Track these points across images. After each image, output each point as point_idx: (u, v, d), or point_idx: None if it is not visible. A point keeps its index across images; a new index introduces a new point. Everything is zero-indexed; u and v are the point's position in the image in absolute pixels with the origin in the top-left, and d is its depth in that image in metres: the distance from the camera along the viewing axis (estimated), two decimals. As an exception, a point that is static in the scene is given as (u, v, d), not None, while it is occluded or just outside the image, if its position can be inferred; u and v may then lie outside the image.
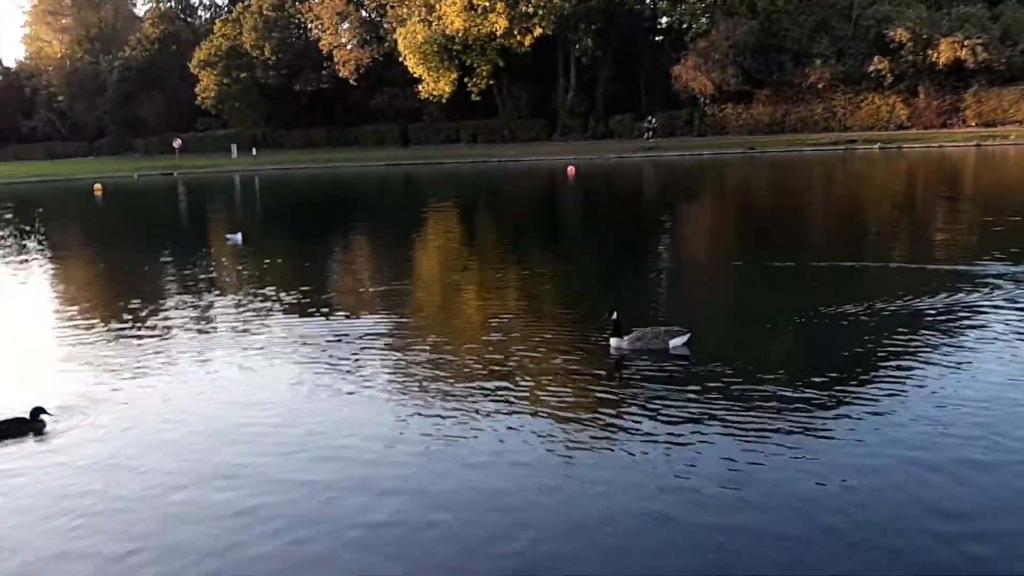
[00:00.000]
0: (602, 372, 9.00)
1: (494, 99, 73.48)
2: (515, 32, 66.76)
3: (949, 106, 57.40)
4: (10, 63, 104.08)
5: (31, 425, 7.56)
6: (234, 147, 76.54)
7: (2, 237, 26.61)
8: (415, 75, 71.31)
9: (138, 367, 9.80)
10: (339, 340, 10.71)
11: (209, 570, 5.29)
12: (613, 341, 9.53)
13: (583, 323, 11.14)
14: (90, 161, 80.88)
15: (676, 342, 9.52)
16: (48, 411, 7.68)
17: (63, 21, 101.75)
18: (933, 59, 55.77)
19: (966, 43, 54.48)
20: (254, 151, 76.37)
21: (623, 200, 33.46)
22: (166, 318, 12.64)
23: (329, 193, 43.42)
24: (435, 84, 70.58)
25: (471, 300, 13.85)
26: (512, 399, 8.10)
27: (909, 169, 39.85)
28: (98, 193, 44.60)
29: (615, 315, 9.52)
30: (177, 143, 76.91)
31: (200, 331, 11.72)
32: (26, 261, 20.85)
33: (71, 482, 6.64)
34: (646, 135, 61.91)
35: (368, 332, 11.07)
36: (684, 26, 67.12)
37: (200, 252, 21.09)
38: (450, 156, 63.87)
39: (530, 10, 65.91)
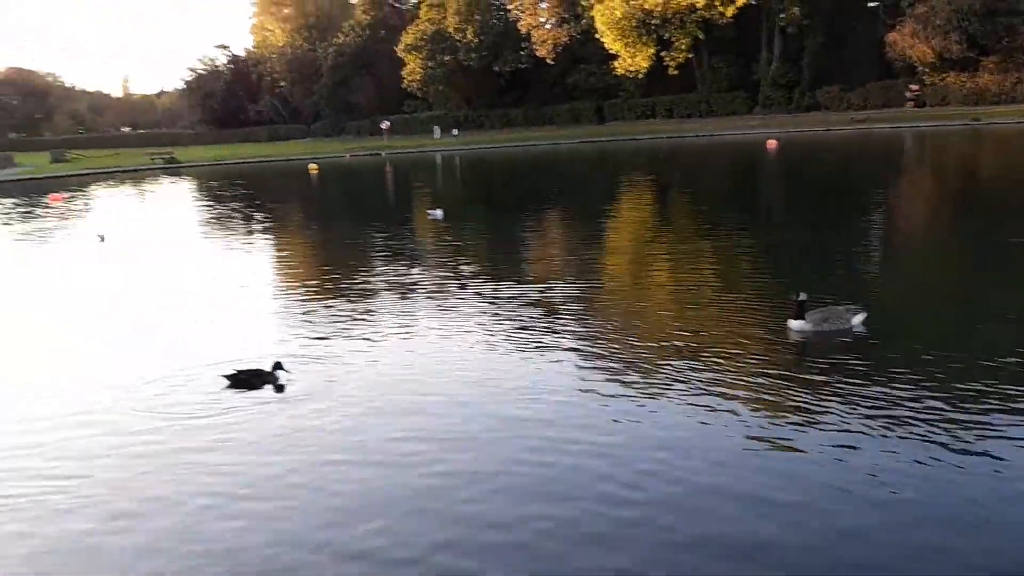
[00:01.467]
0: (786, 354, 8.76)
1: (692, 73, 71.96)
2: (717, 3, 64.94)
3: None
4: (239, 52, 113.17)
5: (268, 377, 8.38)
6: (437, 128, 79.67)
7: (236, 210, 29.30)
8: (612, 51, 71.14)
9: (353, 330, 10.62)
10: (531, 307, 11.10)
11: (436, 526, 5.52)
12: (795, 324, 9.14)
13: (772, 301, 10.86)
14: (307, 143, 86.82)
15: (856, 320, 9.12)
16: (284, 367, 8.45)
17: (285, 11, 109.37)
18: None
19: None
20: (455, 131, 79.15)
21: (824, 175, 31.87)
22: (374, 285, 13.55)
23: (525, 170, 44.29)
24: (632, 59, 70.15)
25: (662, 274, 13.82)
26: (695, 379, 8.05)
27: None
28: (313, 172, 47.96)
29: (801, 296, 9.12)
30: (385, 125, 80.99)
31: (404, 297, 12.47)
32: (252, 232, 22.88)
33: (295, 427, 7.36)
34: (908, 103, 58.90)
35: (560, 301, 11.42)
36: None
37: (405, 226, 22.30)
38: (646, 131, 63.32)
39: (734, -21, 64.00)
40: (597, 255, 16.25)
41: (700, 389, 7.70)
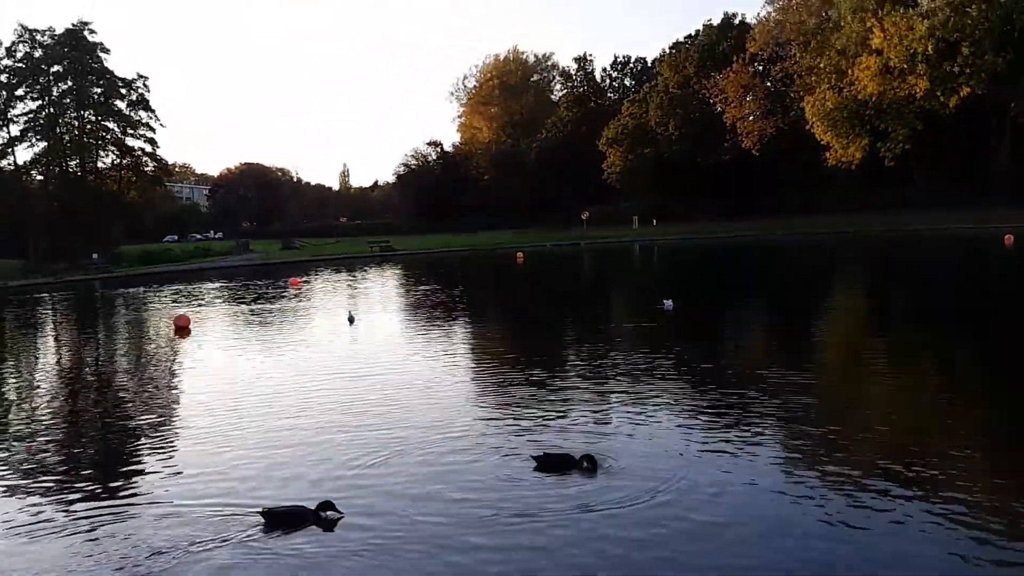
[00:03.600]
0: None
1: (909, 164, 68.67)
2: (938, 93, 62.14)
3: None
4: (447, 147, 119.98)
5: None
6: (635, 218, 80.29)
7: (458, 295, 30.54)
8: (823, 142, 69.41)
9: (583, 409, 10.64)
10: (749, 399, 10.69)
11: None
12: None
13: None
14: (509, 233, 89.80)
15: None
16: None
17: (492, 110, 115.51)
18: None
19: None
20: (654, 221, 79.41)
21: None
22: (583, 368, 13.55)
23: (722, 261, 43.47)
24: (844, 150, 68.16)
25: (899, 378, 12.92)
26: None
27: None
28: (520, 260, 49.46)
29: None
30: (585, 215, 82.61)
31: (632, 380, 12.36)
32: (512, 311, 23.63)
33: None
34: None
35: (782, 390, 10.95)
36: None
37: (641, 319, 22.26)
38: (859, 224, 60.65)
39: (956, 69, 61.08)
40: (823, 352, 15.48)
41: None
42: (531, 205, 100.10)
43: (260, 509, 7.45)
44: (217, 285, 42.46)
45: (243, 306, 29.88)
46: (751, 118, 78.33)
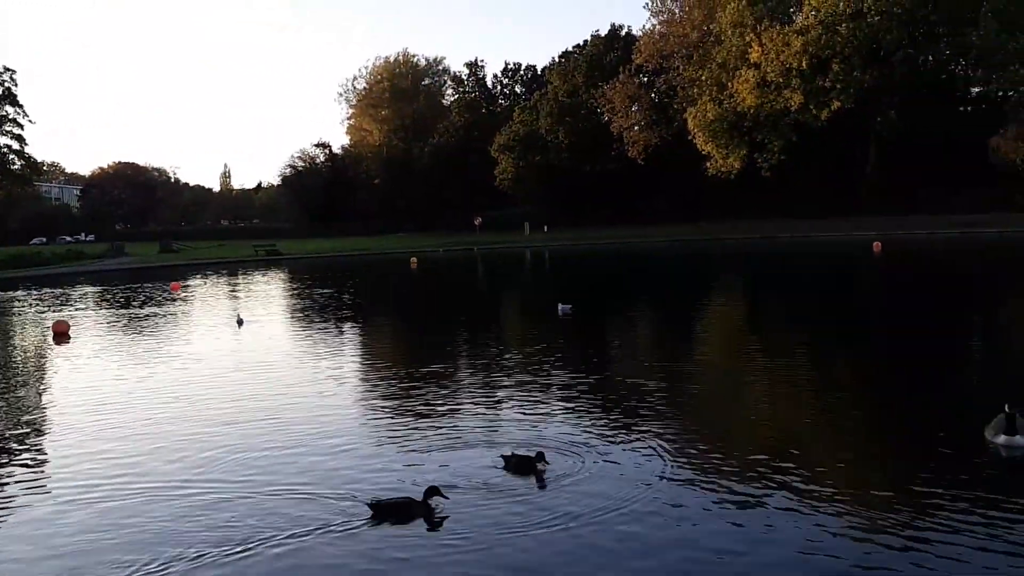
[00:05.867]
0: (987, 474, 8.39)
1: (785, 174, 71.71)
2: (811, 107, 65.30)
3: None
4: (336, 149, 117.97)
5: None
6: (527, 224, 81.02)
7: (349, 300, 30.03)
8: (704, 152, 71.77)
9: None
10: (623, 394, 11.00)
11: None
12: (1002, 439, 8.26)
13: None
14: (400, 237, 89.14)
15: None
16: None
17: (383, 113, 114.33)
18: None
19: None
20: (544, 227, 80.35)
21: (939, 280, 30.84)
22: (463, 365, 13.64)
23: (610, 266, 44.37)
24: (724, 160, 70.63)
25: (792, 375, 13.53)
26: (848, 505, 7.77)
27: None
28: (413, 265, 49.09)
29: (1008, 408, 8.26)
30: (478, 220, 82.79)
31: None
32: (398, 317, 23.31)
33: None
34: None
35: (651, 386, 11.30)
36: (1002, 95, 62.03)
37: (541, 322, 22.41)
38: (737, 232, 63.04)
39: (827, 84, 64.33)
40: (690, 353, 16.06)
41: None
42: (424, 210, 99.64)
43: (368, 500, 7.27)
44: (96, 290, 40.36)
45: (122, 311, 28.55)
46: (636, 128, 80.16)
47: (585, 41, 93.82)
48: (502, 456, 8.45)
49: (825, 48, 64.08)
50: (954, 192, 63.16)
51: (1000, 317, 19.85)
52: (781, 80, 65.80)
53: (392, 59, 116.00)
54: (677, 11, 79.40)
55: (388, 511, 7.12)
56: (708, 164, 72.50)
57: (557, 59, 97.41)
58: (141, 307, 29.51)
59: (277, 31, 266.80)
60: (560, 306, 21.14)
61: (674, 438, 9.41)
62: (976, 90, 69.00)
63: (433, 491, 7.27)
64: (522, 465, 8.18)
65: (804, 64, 64.17)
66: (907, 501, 7.12)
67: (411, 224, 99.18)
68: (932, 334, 16.65)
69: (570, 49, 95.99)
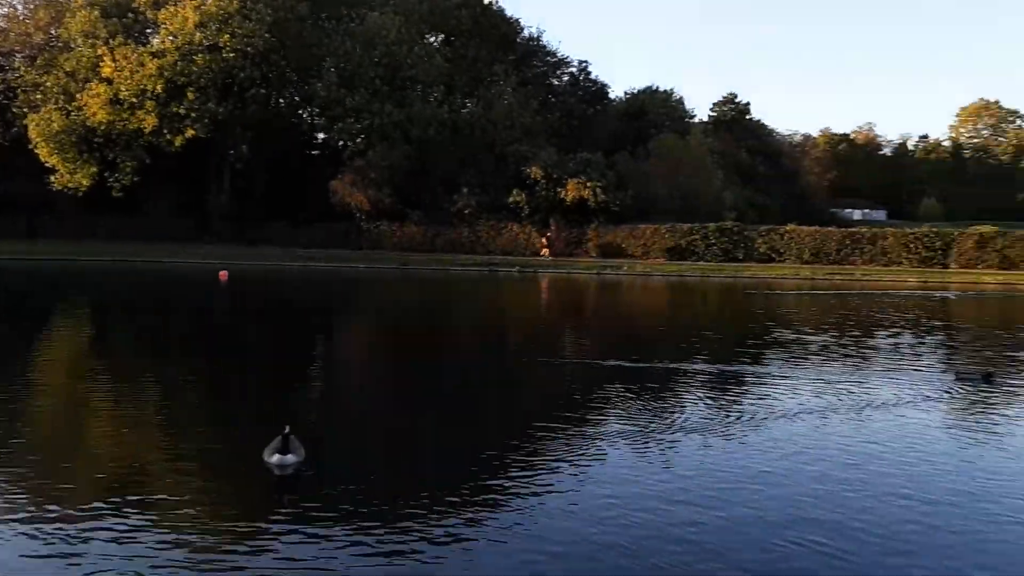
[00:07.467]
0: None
1: (138, 196, 68.88)
2: (165, 131, 64.32)
3: (576, 238, 64.86)
4: None
5: None
6: None
7: None
8: (48, 164, 65.29)
9: None
10: None
11: None
12: (275, 458, 8.89)
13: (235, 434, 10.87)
14: None
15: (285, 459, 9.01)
16: None
17: None
18: (562, 196, 63.22)
19: (588, 185, 62.61)
20: None
21: (277, 309, 32.72)
22: None
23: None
24: (71, 176, 65.21)
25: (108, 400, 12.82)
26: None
27: (546, 288, 44.41)
28: None
29: (287, 430, 8.98)
30: None
31: None
32: None
33: None
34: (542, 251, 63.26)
35: None
36: (341, 144, 69.24)
37: None
38: (85, 253, 58.39)
39: (182, 111, 64.06)
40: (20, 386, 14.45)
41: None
42: None
43: None
44: None
45: None
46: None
47: None
48: None
49: (181, 75, 63.64)
50: (302, 226, 68.12)
51: (319, 346, 21.67)
52: (135, 100, 63.40)
53: None
54: (20, 7, 71.37)
55: None
56: (54, 178, 65.93)
57: None
58: None
59: None
60: None
61: None
62: (321, 136, 75.84)
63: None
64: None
65: (159, 88, 62.87)
66: (202, 521, 7.01)
67: None
68: (251, 361, 17.31)
69: None
